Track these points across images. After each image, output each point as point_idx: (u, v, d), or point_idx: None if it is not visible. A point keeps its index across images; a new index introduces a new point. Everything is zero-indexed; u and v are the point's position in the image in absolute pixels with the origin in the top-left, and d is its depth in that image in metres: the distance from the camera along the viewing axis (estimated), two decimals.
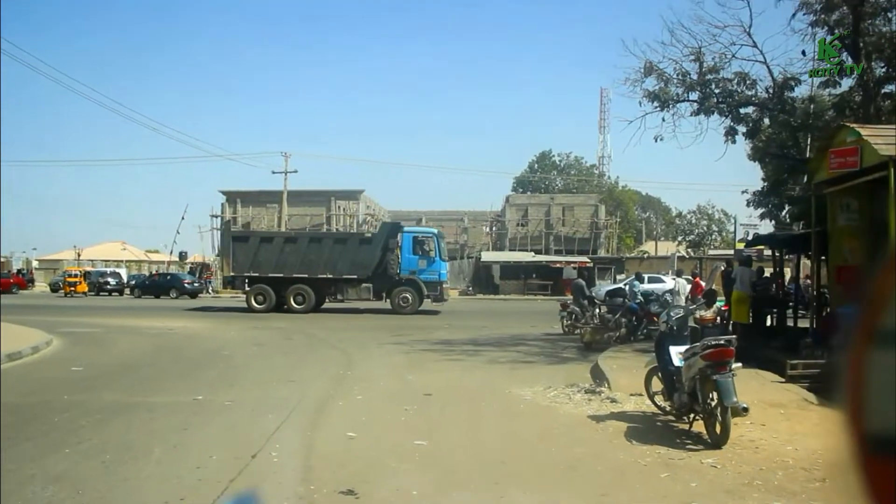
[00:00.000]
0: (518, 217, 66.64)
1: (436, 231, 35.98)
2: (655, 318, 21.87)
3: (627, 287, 25.20)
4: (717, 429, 8.30)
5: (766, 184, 24.63)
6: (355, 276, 32.14)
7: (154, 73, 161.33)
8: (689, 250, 60.92)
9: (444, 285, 33.92)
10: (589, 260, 54.19)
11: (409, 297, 31.97)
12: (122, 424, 9.51)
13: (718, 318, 16.90)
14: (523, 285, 53.72)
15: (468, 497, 6.61)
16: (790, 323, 20.54)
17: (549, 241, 64.08)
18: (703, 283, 28.04)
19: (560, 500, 6.75)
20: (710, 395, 8.41)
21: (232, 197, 64.72)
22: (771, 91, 19.91)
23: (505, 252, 61.91)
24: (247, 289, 33.34)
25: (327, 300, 33.95)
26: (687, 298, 25.89)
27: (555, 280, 52.71)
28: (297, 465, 7.39)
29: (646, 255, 59.39)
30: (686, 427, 9.11)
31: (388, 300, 32.88)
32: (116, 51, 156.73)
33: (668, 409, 9.87)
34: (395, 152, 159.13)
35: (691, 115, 20.55)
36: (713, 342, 8.47)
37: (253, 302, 32.56)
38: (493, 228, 70.42)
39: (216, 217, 64.43)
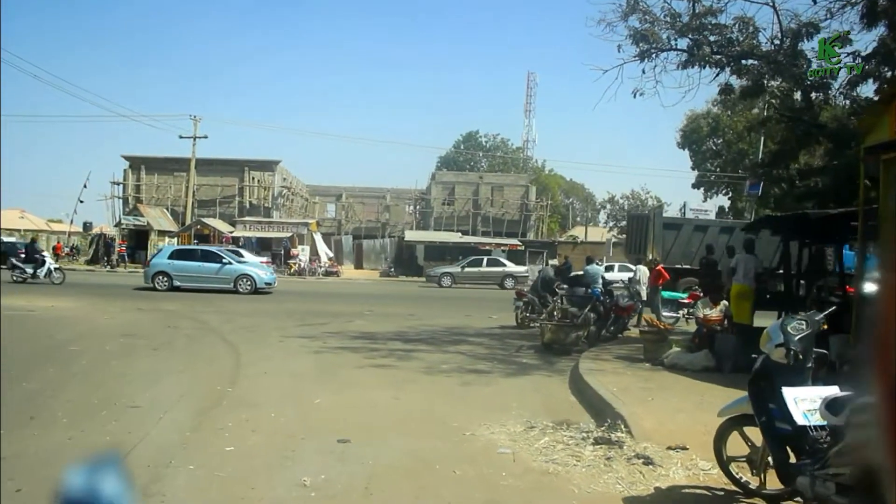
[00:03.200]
0: (444, 195, 62.26)
1: None
2: (626, 313, 17.98)
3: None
4: None
5: (765, 155, 20.76)
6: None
7: (50, 25, 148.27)
8: (623, 236, 57.70)
9: None
10: (520, 243, 50.18)
11: None
12: None
13: (725, 318, 12.88)
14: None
15: None
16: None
17: (477, 222, 59.96)
18: (667, 273, 24.23)
19: None
20: None
21: (136, 163, 58.54)
22: (778, 41, 15.91)
23: (430, 231, 57.43)
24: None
25: None
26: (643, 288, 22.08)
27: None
28: None
29: (578, 240, 55.72)
30: None
31: None
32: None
33: (756, 487, 5.68)
34: (314, 123, 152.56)
35: (678, 67, 16.43)
36: None
37: None
38: (417, 207, 65.91)
39: (118, 184, 58.24)
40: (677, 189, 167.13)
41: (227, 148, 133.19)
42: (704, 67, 16.19)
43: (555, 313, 16.52)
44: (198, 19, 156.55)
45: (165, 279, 28.36)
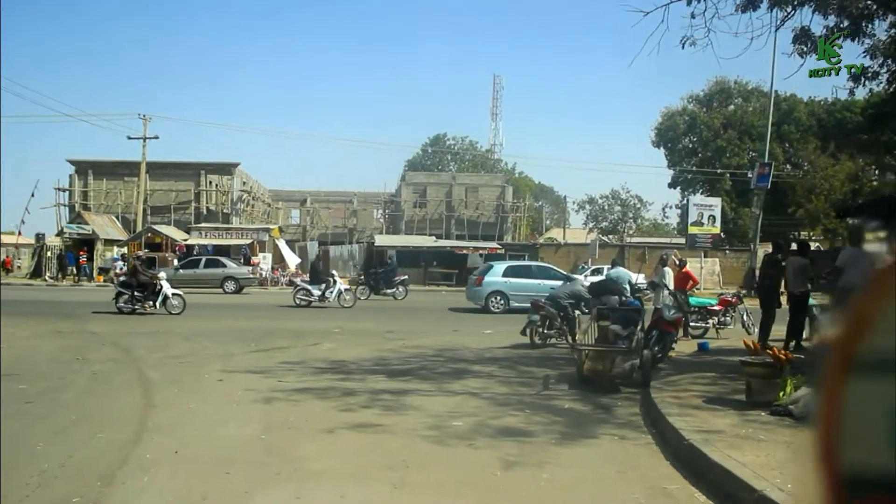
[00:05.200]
0: (415, 198, 57.78)
1: None
2: (674, 328, 13.88)
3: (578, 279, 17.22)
4: None
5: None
6: None
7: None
8: (610, 237, 54.02)
9: None
10: (499, 246, 45.98)
11: None
12: None
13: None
14: (423, 274, 44.94)
15: None
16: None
17: (451, 225, 55.56)
18: (696, 276, 20.30)
19: None
20: None
21: (82, 168, 53.36)
22: None
23: (402, 236, 52.96)
24: None
25: None
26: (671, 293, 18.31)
27: (459, 269, 44.37)
28: None
29: (563, 243, 51.64)
30: None
31: None
32: None
33: None
34: (275, 125, 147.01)
35: (737, 10, 12.44)
36: None
37: None
38: (387, 210, 61.37)
39: (63, 191, 53.08)
40: (654, 188, 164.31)
41: (182, 152, 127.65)
42: (774, 8, 12.19)
43: (579, 333, 12.32)
44: (147, 14, 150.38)
45: (501, 299, 24.43)
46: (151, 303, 21.15)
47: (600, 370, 10.43)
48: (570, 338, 15.86)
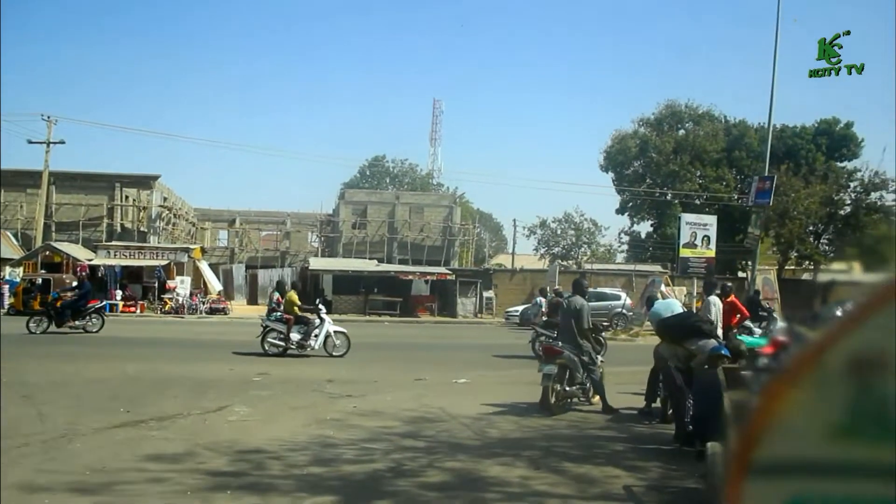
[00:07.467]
0: (354, 218, 51.85)
1: None
2: None
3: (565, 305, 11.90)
4: None
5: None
6: None
7: None
8: (569, 262, 49.23)
9: None
10: (449, 272, 40.50)
11: None
12: None
13: None
14: (364, 302, 39.04)
15: None
16: None
17: (393, 249, 49.85)
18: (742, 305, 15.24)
19: None
20: None
21: None
22: None
23: (339, 259, 47.00)
24: None
25: None
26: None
27: (404, 296, 38.82)
28: None
29: (519, 269, 46.21)
30: None
31: None
32: None
33: None
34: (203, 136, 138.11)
35: None
36: None
37: None
38: (323, 231, 55.30)
39: None
40: (600, 215, 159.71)
41: (96, 162, 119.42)
42: None
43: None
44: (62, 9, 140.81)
45: None
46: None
47: None
48: (598, 397, 10.66)
